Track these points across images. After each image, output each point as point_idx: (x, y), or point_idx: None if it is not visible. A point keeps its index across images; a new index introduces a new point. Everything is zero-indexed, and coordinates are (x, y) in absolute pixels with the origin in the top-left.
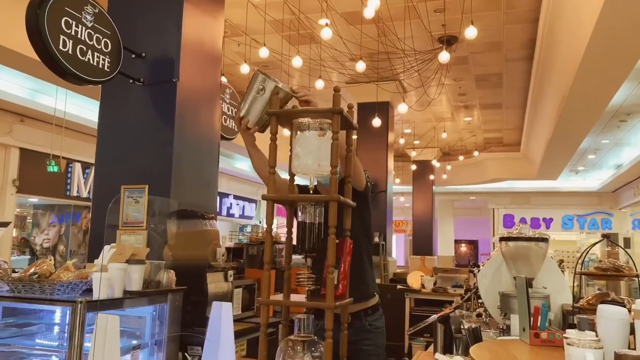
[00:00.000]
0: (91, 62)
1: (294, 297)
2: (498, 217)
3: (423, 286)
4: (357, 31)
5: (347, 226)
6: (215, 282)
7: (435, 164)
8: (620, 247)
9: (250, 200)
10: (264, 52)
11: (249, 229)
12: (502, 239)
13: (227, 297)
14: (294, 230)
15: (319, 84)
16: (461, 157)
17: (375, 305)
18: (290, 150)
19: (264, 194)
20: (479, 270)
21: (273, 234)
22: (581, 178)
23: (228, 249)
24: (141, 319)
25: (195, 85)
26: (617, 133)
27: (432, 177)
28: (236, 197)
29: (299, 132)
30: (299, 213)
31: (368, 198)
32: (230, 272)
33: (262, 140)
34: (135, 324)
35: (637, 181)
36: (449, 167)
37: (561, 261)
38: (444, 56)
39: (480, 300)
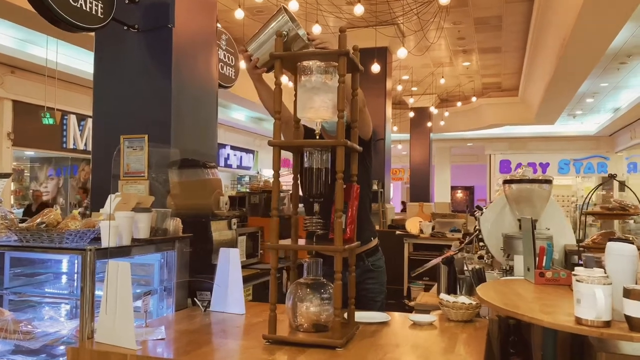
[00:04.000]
0: (84, 7)
1: (301, 242)
2: (495, 163)
3: (421, 231)
4: None
5: (354, 171)
6: (219, 230)
7: (433, 110)
8: (628, 187)
9: (247, 151)
10: None
11: (247, 179)
12: (505, 181)
13: (231, 244)
14: (298, 176)
15: (316, 28)
16: (459, 104)
17: (375, 246)
18: (295, 95)
19: (270, 139)
20: (481, 214)
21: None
22: (578, 122)
23: (231, 198)
24: (149, 267)
25: (191, 31)
26: (616, 75)
27: (429, 124)
28: (233, 148)
29: (303, 76)
30: (305, 159)
31: (372, 147)
32: (234, 220)
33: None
34: (144, 271)
35: (634, 124)
36: (446, 114)
37: None
38: None
39: (481, 244)
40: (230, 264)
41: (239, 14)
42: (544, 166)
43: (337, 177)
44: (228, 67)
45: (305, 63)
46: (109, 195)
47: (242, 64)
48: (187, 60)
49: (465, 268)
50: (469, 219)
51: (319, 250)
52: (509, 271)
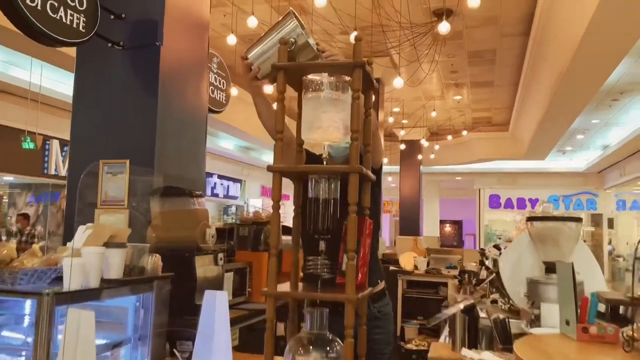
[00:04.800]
0: (64, 20)
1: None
2: (484, 198)
3: (416, 267)
4: (349, 2)
5: (366, 203)
6: (204, 266)
7: (424, 143)
8: None
9: (235, 180)
10: (252, 22)
11: (233, 209)
12: (530, 218)
13: (217, 281)
14: (299, 208)
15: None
16: (449, 137)
17: (382, 290)
18: (299, 114)
19: (270, 164)
20: (500, 254)
21: (263, 214)
22: (568, 158)
23: (218, 230)
24: (122, 310)
25: (181, 50)
26: (608, 112)
27: (420, 157)
28: (221, 177)
29: (310, 92)
30: (310, 188)
31: (381, 175)
32: (221, 255)
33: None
34: (116, 315)
35: (624, 162)
36: (437, 147)
37: None
38: (444, 27)
39: (487, 285)
40: (216, 310)
41: (231, 39)
42: (534, 202)
43: (350, 210)
44: (219, 91)
45: (312, 76)
46: (78, 227)
47: (234, 91)
48: (175, 81)
49: (482, 315)
50: (465, 253)
51: (327, 299)
52: (535, 321)
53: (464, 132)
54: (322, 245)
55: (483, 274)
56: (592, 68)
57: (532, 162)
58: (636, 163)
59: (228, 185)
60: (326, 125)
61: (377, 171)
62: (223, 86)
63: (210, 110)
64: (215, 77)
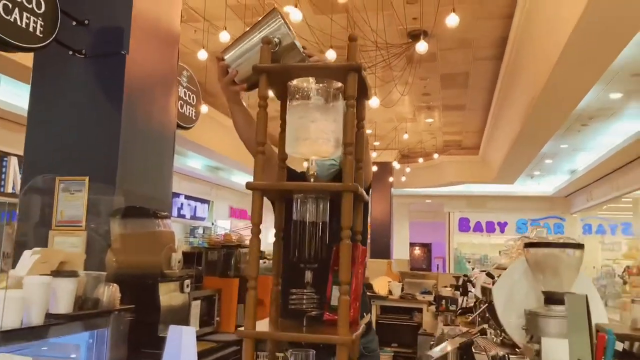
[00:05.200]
0: (19, 22)
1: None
2: (453, 221)
3: (390, 292)
4: (324, 21)
5: (359, 227)
6: (169, 294)
7: (396, 165)
8: None
9: (202, 201)
10: (224, 37)
11: (200, 231)
12: (528, 244)
13: (183, 311)
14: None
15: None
16: (421, 160)
17: (369, 324)
18: (281, 125)
19: (249, 181)
20: (493, 283)
21: (234, 236)
22: (536, 183)
23: (185, 254)
24: (73, 349)
25: (148, 61)
26: (576, 137)
27: (391, 179)
28: (188, 197)
29: (295, 100)
30: (295, 209)
31: (370, 195)
32: (187, 282)
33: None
34: (65, 352)
35: (590, 186)
36: (408, 170)
37: None
38: (422, 46)
39: (471, 314)
40: (182, 348)
41: (202, 55)
42: (502, 225)
43: (342, 236)
44: (188, 107)
45: (299, 82)
46: (24, 252)
47: (204, 108)
48: (141, 93)
49: (474, 350)
50: (439, 277)
51: (317, 341)
52: (536, 357)
53: (435, 155)
54: (308, 275)
55: (465, 300)
56: (564, 94)
57: (501, 186)
58: (602, 188)
59: (195, 206)
60: (315, 136)
61: (367, 190)
62: (193, 101)
63: (179, 126)
64: (185, 91)
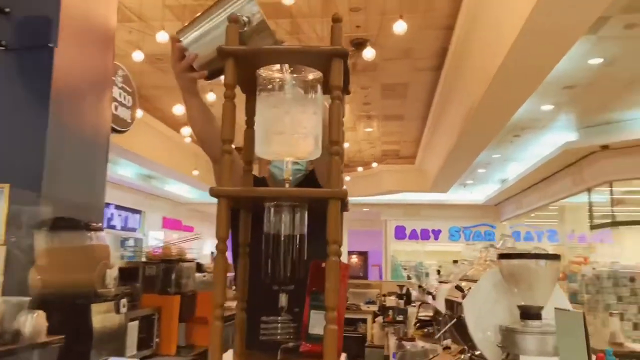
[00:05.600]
0: None
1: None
2: (390, 229)
3: None
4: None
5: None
6: (102, 314)
7: None
8: None
9: (134, 211)
10: (162, 37)
11: (131, 242)
12: (502, 256)
13: (119, 334)
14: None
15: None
16: (360, 169)
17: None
18: (247, 122)
19: (213, 186)
20: (463, 296)
21: (174, 250)
22: (468, 191)
23: (121, 270)
24: None
25: (80, 56)
26: (508, 148)
27: None
28: (118, 207)
29: (266, 92)
30: (266, 220)
31: None
32: (124, 301)
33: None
34: None
35: (519, 195)
36: (347, 179)
37: (439, 271)
38: (369, 53)
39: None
40: None
41: (138, 56)
42: (436, 232)
43: (329, 252)
44: (123, 108)
45: (269, 72)
46: None
47: (139, 113)
48: (72, 91)
49: None
50: (383, 285)
51: None
52: None
53: (374, 164)
54: (282, 299)
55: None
56: (502, 105)
57: (435, 194)
58: (531, 197)
59: (126, 217)
60: (290, 130)
61: None
62: (128, 103)
63: (113, 130)
64: (120, 92)
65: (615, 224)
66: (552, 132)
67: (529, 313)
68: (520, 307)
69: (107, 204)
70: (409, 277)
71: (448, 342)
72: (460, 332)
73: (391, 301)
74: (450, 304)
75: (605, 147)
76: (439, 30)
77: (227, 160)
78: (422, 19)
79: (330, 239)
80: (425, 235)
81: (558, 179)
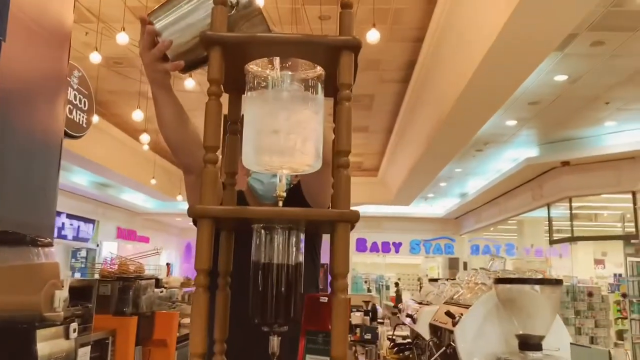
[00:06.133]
0: None
1: None
2: (351, 241)
3: None
4: None
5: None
6: (50, 341)
7: None
8: None
9: (87, 220)
10: (122, 38)
11: (83, 253)
12: (499, 280)
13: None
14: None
15: (189, 83)
16: None
17: None
18: (230, 127)
19: (195, 205)
20: (454, 322)
21: (132, 266)
22: (429, 205)
23: (72, 290)
24: None
25: (31, 53)
26: (470, 162)
27: None
28: (70, 216)
29: (256, 90)
30: (255, 246)
31: None
32: (74, 326)
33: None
34: None
35: (478, 209)
36: None
37: (397, 284)
38: None
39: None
40: None
41: (95, 57)
42: (397, 245)
43: (335, 288)
44: (79, 112)
45: (260, 68)
46: None
47: (95, 118)
48: (20, 91)
49: None
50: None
51: None
52: None
53: None
54: (274, 343)
55: (387, 330)
56: (469, 119)
57: (396, 207)
58: (491, 211)
59: (79, 226)
60: (286, 132)
61: None
62: (84, 106)
63: (68, 135)
64: (75, 94)
65: (574, 239)
66: (514, 147)
67: (529, 343)
68: (518, 336)
69: (59, 213)
70: (369, 290)
71: None
72: None
73: (357, 318)
74: (435, 329)
75: (565, 163)
76: (407, 43)
77: (211, 172)
78: (390, 31)
79: (337, 272)
80: (386, 248)
81: (518, 193)
